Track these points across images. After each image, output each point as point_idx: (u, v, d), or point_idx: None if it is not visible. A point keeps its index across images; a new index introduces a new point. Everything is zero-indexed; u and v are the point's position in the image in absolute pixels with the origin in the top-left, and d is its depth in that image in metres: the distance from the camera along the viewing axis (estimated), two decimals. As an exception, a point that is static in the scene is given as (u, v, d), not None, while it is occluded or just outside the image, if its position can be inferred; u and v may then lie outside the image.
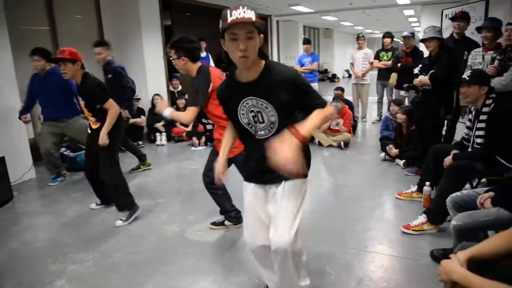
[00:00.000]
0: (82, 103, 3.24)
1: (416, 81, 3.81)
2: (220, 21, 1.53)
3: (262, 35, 1.58)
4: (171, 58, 2.73)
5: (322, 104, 1.67)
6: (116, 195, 3.35)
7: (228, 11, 1.50)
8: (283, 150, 1.47)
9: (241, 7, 1.49)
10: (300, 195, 1.80)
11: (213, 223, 3.10)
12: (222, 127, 2.58)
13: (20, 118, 4.34)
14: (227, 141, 1.97)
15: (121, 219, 3.28)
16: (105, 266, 2.62)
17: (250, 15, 1.49)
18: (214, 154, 2.79)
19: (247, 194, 1.90)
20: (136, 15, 6.31)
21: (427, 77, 3.66)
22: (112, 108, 3.17)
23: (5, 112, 4.38)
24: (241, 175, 2.02)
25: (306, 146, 1.82)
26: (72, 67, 3.06)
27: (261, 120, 1.71)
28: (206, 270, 2.53)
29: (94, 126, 3.28)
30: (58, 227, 3.32)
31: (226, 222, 3.07)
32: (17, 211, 3.76)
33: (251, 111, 1.70)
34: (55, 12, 5.67)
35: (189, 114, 2.62)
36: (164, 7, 6.98)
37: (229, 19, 1.48)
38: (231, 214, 3.02)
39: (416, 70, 3.86)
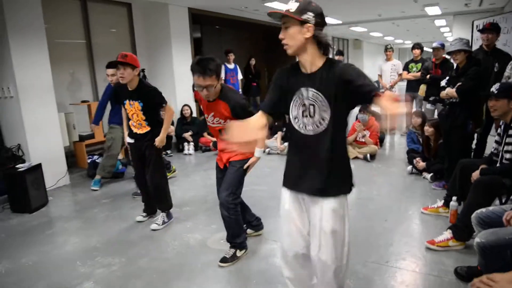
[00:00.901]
0: (138, 106, 3.25)
1: (443, 93, 3.75)
2: None
3: (310, 27, 1.60)
4: (207, 89, 2.51)
5: (377, 89, 1.55)
6: (162, 196, 3.50)
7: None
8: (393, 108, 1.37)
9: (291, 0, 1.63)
10: (341, 215, 1.72)
11: (222, 259, 2.80)
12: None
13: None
14: (251, 124, 1.80)
15: (156, 223, 3.43)
16: (130, 271, 2.72)
17: (290, 6, 1.61)
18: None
19: (284, 202, 1.85)
20: (167, 28, 6.54)
21: (454, 89, 3.59)
22: (169, 110, 3.33)
23: (44, 121, 4.64)
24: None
25: (348, 161, 1.81)
26: (131, 72, 3.17)
27: (311, 115, 1.69)
28: (226, 278, 2.58)
29: (143, 131, 3.33)
30: (89, 231, 3.47)
31: (249, 231, 3.11)
32: (51, 215, 3.95)
33: (303, 105, 1.69)
34: (91, 26, 5.98)
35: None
36: (194, 21, 7.20)
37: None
38: (253, 222, 3.11)
39: (443, 83, 3.80)
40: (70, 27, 5.79)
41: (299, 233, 1.81)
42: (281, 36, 1.65)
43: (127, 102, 3.29)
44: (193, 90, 2.75)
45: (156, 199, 3.53)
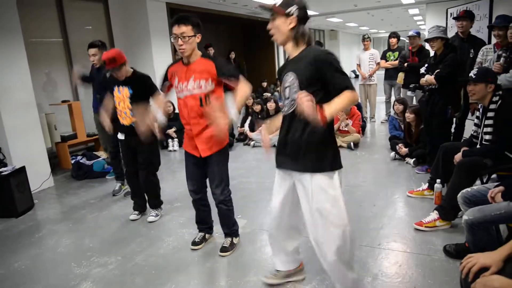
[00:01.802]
0: (126, 93, 3.19)
1: (422, 80, 3.87)
2: None
3: (294, 19, 1.80)
4: (182, 38, 2.41)
5: (350, 87, 1.73)
6: (155, 193, 3.53)
7: None
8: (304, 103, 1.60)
9: None
10: (332, 191, 1.83)
11: (194, 243, 2.93)
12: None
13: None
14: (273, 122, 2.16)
15: (152, 216, 3.50)
16: (128, 268, 2.72)
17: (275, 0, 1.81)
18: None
19: (276, 179, 2.06)
20: (145, 24, 6.46)
21: (433, 76, 3.72)
22: (159, 99, 3.06)
23: (24, 123, 4.52)
24: None
25: (334, 140, 1.94)
26: (125, 68, 3.20)
27: (286, 96, 1.89)
28: (225, 269, 2.63)
29: (128, 122, 3.27)
30: (80, 232, 3.44)
31: (235, 240, 2.91)
32: (38, 218, 3.89)
33: (285, 87, 1.88)
34: (67, 23, 5.84)
35: (244, 83, 2.47)
36: (172, 15, 7.12)
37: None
38: (204, 227, 3.00)
39: (422, 70, 3.93)
40: (45, 25, 5.64)
41: (282, 209, 2.05)
42: (269, 27, 1.85)
43: (116, 88, 3.25)
44: (166, 75, 2.68)
45: (149, 195, 3.54)
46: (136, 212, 3.63)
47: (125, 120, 3.30)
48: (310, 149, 1.83)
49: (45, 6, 5.60)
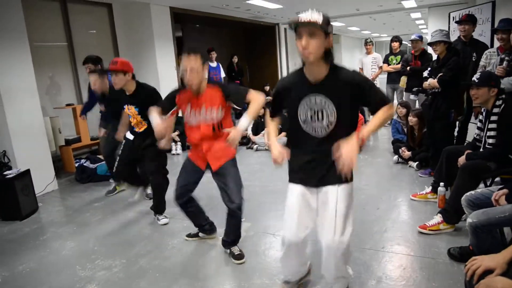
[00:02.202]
0: (134, 111, 3.28)
1: (425, 84, 3.89)
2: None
3: (331, 39, 1.79)
4: (190, 70, 2.44)
5: (385, 102, 1.82)
6: (160, 198, 3.52)
7: (299, 15, 1.75)
8: (347, 148, 1.65)
9: (309, 10, 1.74)
10: (351, 199, 1.96)
11: (188, 235, 3.18)
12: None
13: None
14: (274, 131, 2.12)
15: (165, 217, 3.55)
16: (133, 271, 2.73)
17: (316, 17, 1.70)
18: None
19: (292, 195, 2.00)
20: (149, 28, 6.51)
21: (435, 80, 3.73)
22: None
23: (29, 126, 4.55)
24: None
25: None
26: (123, 78, 3.16)
27: (320, 118, 1.85)
28: (229, 273, 2.64)
29: (141, 129, 3.35)
30: (84, 235, 3.45)
31: (200, 234, 3.13)
32: (43, 221, 3.91)
33: (311, 109, 1.86)
34: (72, 27, 5.89)
35: (257, 95, 2.54)
36: (175, 20, 7.17)
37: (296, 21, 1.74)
38: (205, 227, 3.05)
39: (425, 74, 3.94)
40: (50, 29, 5.69)
41: (300, 224, 1.97)
42: (305, 44, 1.71)
43: (126, 107, 3.30)
44: (174, 96, 2.68)
45: (154, 199, 3.55)
46: (165, 215, 3.60)
47: (138, 128, 3.37)
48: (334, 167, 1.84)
49: (50, 10, 5.66)
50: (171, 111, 2.72)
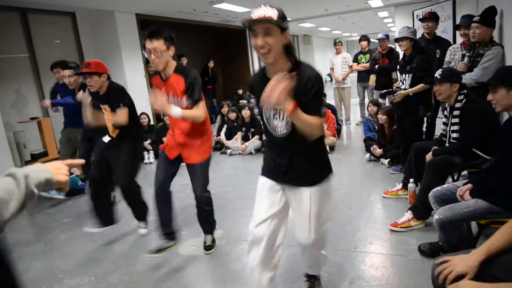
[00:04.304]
0: (108, 110, 3.17)
1: (397, 98, 3.90)
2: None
3: (288, 34, 1.68)
4: (154, 53, 2.45)
5: (320, 117, 1.70)
6: (138, 205, 3.40)
7: (254, 11, 1.63)
8: (275, 90, 1.50)
9: (262, 6, 1.61)
10: (327, 198, 1.90)
11: (154, 251, 2.84)
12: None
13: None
14: None
15: (143, 228, 3.42)
16: (101, 288, 2.64)
17: (270, 13, 1.59)
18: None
19: (262, 188, 1.95)
20: (115, 36, 6.38)
21: (407, 91, 3.78)
22: (123, 114, 3.08)
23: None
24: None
25: (323, 151, 1.95)
26: (98, 80, 3.05)
27: (280, 117, 1.78)
28: (202, 282, 2.58)
29: (113, 134, 3.22)
30: (52, 254, 3.31)
31: (170, 243, 2.92)
32: (8, 241, 3.71)
33: (274, 108, 1.76)
34: (33, 39, 5.70)
35: (201, 110, 2.56)
36: (143, 27, 7.05)
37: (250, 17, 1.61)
38: (175, 234, 2.95)
39: (394, 75, 3.97)
40: (10, 40, 5.49)
41: (266, 207, 1.90)
42: (261, 43, 1.61)
43: (102, 107, 3.19)
44: (150, 78, 2.70)
45: (133, 205, 3.38)
46: (95, 227, 3.36)
47: (113, 133, 3.24)
48: (310, 168, 1.84)
49: (10, 20, 5.45)
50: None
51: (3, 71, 5.24)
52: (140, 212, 3.43)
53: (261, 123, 1.95)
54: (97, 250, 3.26)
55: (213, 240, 3.03)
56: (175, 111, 2.45)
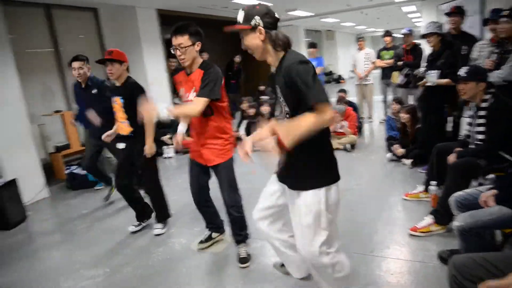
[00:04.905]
0: (119, 103, 3.17)
1: (424, 82, 3.76)
2: None
3: (261, 30, 1.71)
4: (179, 49, 2.41)
5: (318, 102, 1.56)
6: (160, 206, 3.44)
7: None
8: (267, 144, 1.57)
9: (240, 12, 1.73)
10: (320, 206, 1.77)
11: (201, 242, 3.00)
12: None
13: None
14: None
15: (159, 228, 3.38)
16: (115, 281, 2.67)
17: (238, 18, 1.72)
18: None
19: (269, 182, 2.04)
20: (136, 31, 6.43)
21: (447, 80, 3.64)
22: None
23: (16, 135, 4.49)
24: None
25: (330, 155, 1.86)
26: (119, 68, 3.10)
27: (282, 109, 1.80)
28: (213, 281, 2.57)
29: (125, 132, 3.23)
30: (70, 244, 3.40)
31: (214, 235, 3.03)
32: (31, 231, 3.85)
33: (279, 101, 1.81)
34: (58, 34, 5.82)
35: (198, 105, 2.36)
36: (164, 22, 7.08)
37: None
38: (220, 226, 3.04)
39: (421, 70, 3.83)
40: (36, 36, 5.61)
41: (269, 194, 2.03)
42: (243, 46, 1.76)
43: (113, 98, 3.22)
44: (172, 76, 2.71)
45: (154, 207, 3.46)
46: (136, 223, 3.47)
47: (122, 130, 3.25)
48: (306, 172, 1.79)
49: (35, 17, 5.57)
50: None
51: (29, 65, 5.36)
52: (160, 214, 3.46)
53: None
54: (114, 243, 3.30)
55: (248, 253, 2.76)
56: (162, 112, 2.32)
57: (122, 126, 3.23)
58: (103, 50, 6.50)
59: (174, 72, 2.85)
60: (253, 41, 1.71)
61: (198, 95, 2.41)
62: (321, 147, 1.82)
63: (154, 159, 3.36)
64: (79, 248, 3.27)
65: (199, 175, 2.74)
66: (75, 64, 3.88)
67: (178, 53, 2.43)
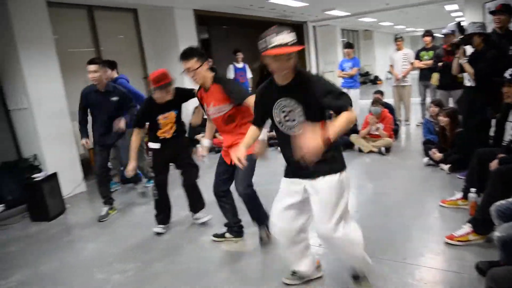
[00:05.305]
0: (173, 116, 3.32)
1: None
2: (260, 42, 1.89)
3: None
4: (189, 72, 2.66)
5: (346, 105, 1.83)
6: (199, 195, 3.53)
7: (267, 39, 1.86)
8: (308, 141, 1.72)
9: (280, 35, 1.83)
10: (342, 189, 2.00)
11: (215, 235, 3.19)
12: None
13: None
14: (250, 137, 2.26)
15: (204, 217, 3.50)
16: (146, 275, 2.74)
17: (289, 39, 1.83)
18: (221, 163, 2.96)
19: (282, 186, 2.18)
20: (173, 31, 6.56)
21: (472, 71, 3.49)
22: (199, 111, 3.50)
23: (58, 131, 4.71)
24: None
25: (335, 145, 1.98)
26: (171, 88, 3.20)
27: (292, 119, 1.97)
28: (241, 280, 2.57)
29: (170, 135, 3.35)
30: (105, 237, 3.52)
31: (227, 235, 3.14)
32: (68, 223, 4.02)
33: (283, 111, 1.99)
34: (99, 34, 6.04)
35: (251, 101, 2.54)
36: (201, 22, 7.19)
37: (269, 47, 1.84)
38: (234, 228, 3.11)
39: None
40: (78, 36, 5.86)
41: (287, 211, 2.15)
42: (282, 66, 1.87)
43: (160, 117, 3.27)
44: (199, 98, 2.94)
45: (193, 198, 3.52)
46: (162, 226, 3.46)
47: (168, 134, 3.36)
48: (324, 160, 1.91)
49: (78, 18, 5.82)
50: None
51: (72, 64, 5.59)
52: (200, 205, 3.56)
53: (274, 128, 2.11)
54: (146, 237, 3.39)
55: (223, 234, 3.12)
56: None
57: (169, 131, 3.35)
58: (142, 50, 6.71)
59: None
60: (291, 62, 1.87)
61: (241, 98, 2.64)
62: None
63: (191, 154, 3.56)
64: (113, 242, 3.38)
65: (223, 172, 2.94)
66: (91, 67, 3.85)
67: (189, 75, 2.69)
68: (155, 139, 3.39)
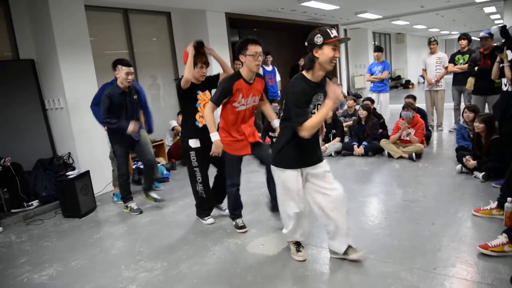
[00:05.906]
0: (208, 95, 3.55)
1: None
2: (319, 35, 2.30)
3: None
4: (259, 56, 2.97)
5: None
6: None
7: (328, 30, 2.32)
8: (336, 89, 2.31)
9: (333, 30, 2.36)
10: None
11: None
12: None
13: None
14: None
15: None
16: (172, 275, 2.77)
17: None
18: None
19: (291, 180, 2.55)
20: (205, 34, 6.66)
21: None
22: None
23: (91, 130, 4.87)
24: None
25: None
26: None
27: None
28: (266, 284, 2.55)
29: (202, 124, 3.52)
30: (133, 236, 3.59)
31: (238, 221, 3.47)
32: (99, 220, 4.14)
33: (315, 105, 2.45)
34: (133, 36, 6.21)
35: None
36: (232, 25, 7.26)
37: (333, 35, 2.31)
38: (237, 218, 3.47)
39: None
40: (114, 38, 6.05)
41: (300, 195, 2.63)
42: (337, 55, 2.36)
43: (200, 92, 3.50)
44: (231, 90, 3.02)
45: (225, 194, 3.63)
46: (210, 216, 3.70)
47: (202, 122, 3.48)
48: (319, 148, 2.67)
49: (114, 20, 6.01)
50: (227, 100, 3.10)
51: (106, 66, 5.76)
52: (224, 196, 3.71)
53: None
54: (174, 238, 3.44)
55: (243, 222, 3.45)
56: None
57: (202, 120, 3.48)
58: (174, 52, 6.84)
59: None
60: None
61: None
62: None
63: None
64: (141, 240, 3.45)
65: (239, 166, 3.38)
66: (131, 69, 3.94)
67: (258, 60, 2.97)
68: (194, 132, 3.47)
